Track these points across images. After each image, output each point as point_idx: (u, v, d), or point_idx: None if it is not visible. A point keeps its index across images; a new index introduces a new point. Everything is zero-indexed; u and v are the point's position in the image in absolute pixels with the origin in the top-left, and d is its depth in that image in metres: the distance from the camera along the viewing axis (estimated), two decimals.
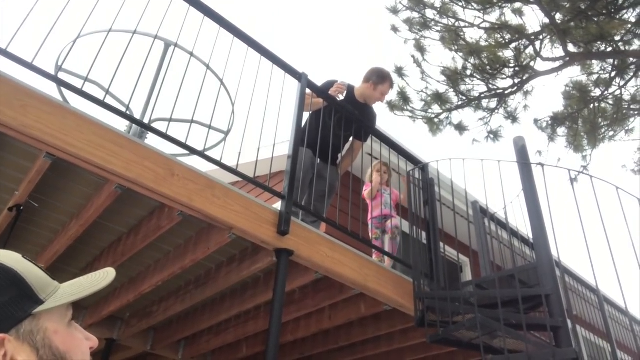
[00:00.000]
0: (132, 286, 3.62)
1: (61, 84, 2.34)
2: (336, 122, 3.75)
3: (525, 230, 3.22)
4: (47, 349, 0.64)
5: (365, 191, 4.35)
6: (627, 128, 7.84)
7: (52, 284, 0.69)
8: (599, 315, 4.70)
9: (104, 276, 0.74)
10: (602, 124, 7.81)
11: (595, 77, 7.38)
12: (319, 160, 3.92)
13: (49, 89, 6.31)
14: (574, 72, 10.26)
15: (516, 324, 2.77)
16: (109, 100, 2.44)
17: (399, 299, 3.24)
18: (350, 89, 4.30)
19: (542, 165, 3.25)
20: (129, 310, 4.26)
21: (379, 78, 4.25)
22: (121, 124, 3.35)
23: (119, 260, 3.19)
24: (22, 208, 2.86)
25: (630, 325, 3.99)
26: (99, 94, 2.41)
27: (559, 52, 6.83)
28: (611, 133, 7.87)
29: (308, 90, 3.45)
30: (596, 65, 7.32)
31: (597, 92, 7.39)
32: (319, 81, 4.00)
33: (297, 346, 4.41)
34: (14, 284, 0.64)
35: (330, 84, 4.15)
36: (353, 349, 4.31)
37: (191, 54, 2.95)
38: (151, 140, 3.30)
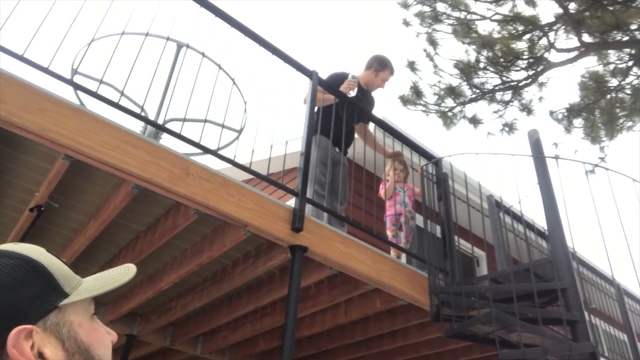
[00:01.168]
0: (151, 283, 3.68)
1: (77, 87, 2.39)
2: (349, 115, 3.79)
3: (542, 223, 3.20)
4: (72, 341, 0.66)
5: (382, 190, 4.35)
6: None
7: (75, 277, 0.71)
8: (618, 307, 4.64)
9: (125, 272, 0.76)
10: (620, 114, 7.67)
11: (611, 67, 7.24)
12: (337, 149, 3.99)
13: (66, 91, 6.43)
14: (590, 63, 10.10)
15: (532, 318, 2.76)
16: (124, 102, 2.48)
17: (415, 294, 3.25)
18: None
19: (557, 158, 3.23)
20: (148, 307, 4.34)
21: (379, 65, 4.36)
22: (136, 125, 3.40)
23: (137, 258, 3.25)
24: (42, 208, 2.93)
25: None
26: (114, 96, 2.46)
27: (573, 42, 6.72)
28: (629, 123, 7.72)
29: (319, 87, 3.47)
30: (612, 54, 7.18)
31: (614, 82, 7.26)
32: (327, 75, 4.02)
33: (314, 341, 4.44)
34: (41, 276, 0.66)
35: (339, 77, 4.13)
36: (369, 344, 4.33)
37: (203, 55, 2.98)
38: (166, 140, 3.35)
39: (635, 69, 7.03)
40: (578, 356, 2.41)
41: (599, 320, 5.19)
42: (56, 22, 2.40)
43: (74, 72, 3.12)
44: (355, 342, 4.31)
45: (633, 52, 6.83)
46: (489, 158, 3.32)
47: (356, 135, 4.46)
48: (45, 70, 2.18)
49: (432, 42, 7.16)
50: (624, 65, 7.12)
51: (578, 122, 7.73)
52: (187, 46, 3.09)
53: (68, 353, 0.64)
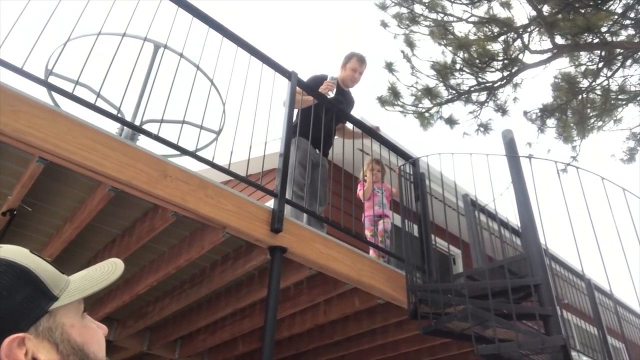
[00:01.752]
0: (128, 287, 3.64)
1: (52, 88, 2.35)
2: (328, 119, 3.82)
3: (516, 221, 3.28)
4: (66, 343, 0.65)
5: (360, 191, 4.40)
6: (615, 118, 7.93)
7: (62, 278, 0.70)
8: (589, 302, 4.78)
9: (113, 268, 0.75)
10: (591, 114, 7.89)
11: (583, 68, 7.45)
12: (317, 150, 4.02)
13: (40, 93, 6.30)
14: (562, 64, 10.36)
15: (507, 314, 2.83)
16: (100, 103, 2.46)
17: (393, 293, 3.29)
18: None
19: (530, 157, 3.31)
20: (125, 311, 4.28)
21: (346, 58, 4.53)
22: (113, 127, 3.36)
23: None
24: (15, 212, 2.87)
25: (615, 309, 4.08)
26: (90, 97, 2.43)
27: (546, 44, 6.89)
28: (600, 123, 7.96)
29: (298, 88, 3.49)
30: (584, 56, 7.39)
31: (585, 83, 7.47)
32: (306, 76, 4.05)
33: (294, 342, 4.45)
34: (28, 281, 0.64)
35: (318, 79, 4.18)
36: (349, 343, 4.36)
37: (181, 55, 2.97)
38: (143, 141, 3.32)
39: (605, 70, 7.25)
40: (550, 349, 2.49)
41: (570, 314, 5.34)
42: (30, 20, 2.36)
43: (49, 72, 3.07)
44: (335, 342, 4.34)
45: (603, 53, 7.04)
46: (464, 158, 3.38)
47: (336, 137, 4.49)
48: (19, 71, 2.15)
49: (410, 44, 7.25)
50: (594, 67, 7.33)
51: (551, 122, 7.93)
52: (165, 47, 3.06)
53: (63, 355, 0.64)
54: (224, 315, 3.99)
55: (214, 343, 4.44)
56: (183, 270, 3.48)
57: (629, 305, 5.84)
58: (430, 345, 4.32)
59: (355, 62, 4.46)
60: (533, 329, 3.01)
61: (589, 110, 7.82)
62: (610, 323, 5.09)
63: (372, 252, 4.01)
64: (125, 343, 4.50)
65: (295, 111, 3.78)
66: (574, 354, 3.68)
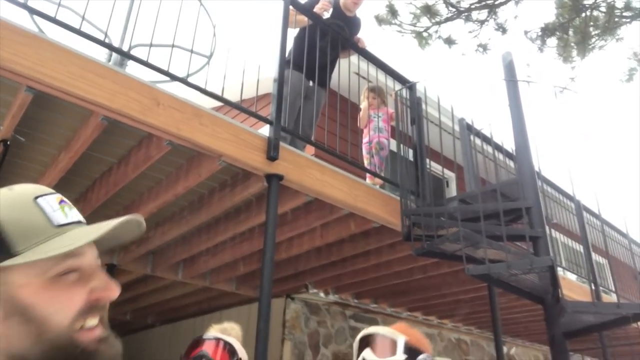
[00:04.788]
0: (127, 214, 3.68)
1: (33, 12, 2.24)
2: (324, 44, 3.66)
3: (510, 145, 3.30)
4: (7, 302, 0.59)
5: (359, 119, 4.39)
6: (617, 37, 7.70)
7: (43, 232, 0.62)
8: (577, 222, 4.95)
9: (112, 222, 0.69)
10: (593, 32, 7.66)
11: None
12: (311, 82, 3.88)
13: (22, 18, 5.99)
14: None
15: (498, 235, 2.93)
16: (86, 28, 2.35)
17: (387, 217, 3.38)
18: (336, 4, 4.18)
19: (528, 81, 3.27)
20: None
21: None
22: (100, 53, 3.25)
23: (112, 190, 3.24)
24: (8, 143, 2.84)
25: (601, 228, 4.24)
26: (75, 22, 2.32)
27: None
28: (602, 42, 7.75)
29: (292, 8, 3.34)
30: None
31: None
32: None
33: (292, 262, 4.63)
34: None
35: (315, 1, 4.00)
36: (344, 263, 4.54)
37: None
38: (132, 68, 3.22)
39: None
40: (538, 269, 2.60)
41: (559, 233, 5.54)
42: None
43: None
44: (331, 262, 4.51)
45: None
46: (462, 81, 3.33)
47: None
48: None
49: None
50: None
51: (551, 41, 7.71)
52: None
53: (6, 313, 0.59)
54: (224, 239, 4.10)
55: (216, 265, 4.61)
56: (182, 197, 3.52)
57: (615, 224, 6.05)
58: (422, 265, 4.51)
59: None
60: (523, 250, 3.13)
61: (591, 29, 7.58)
62: (596, 241, 5.30)
63: (368, 178, 4.05)
64: (129, 267, 4.66)
65: (291, 40, 3.62)
66: (559, 270, 3.86)
